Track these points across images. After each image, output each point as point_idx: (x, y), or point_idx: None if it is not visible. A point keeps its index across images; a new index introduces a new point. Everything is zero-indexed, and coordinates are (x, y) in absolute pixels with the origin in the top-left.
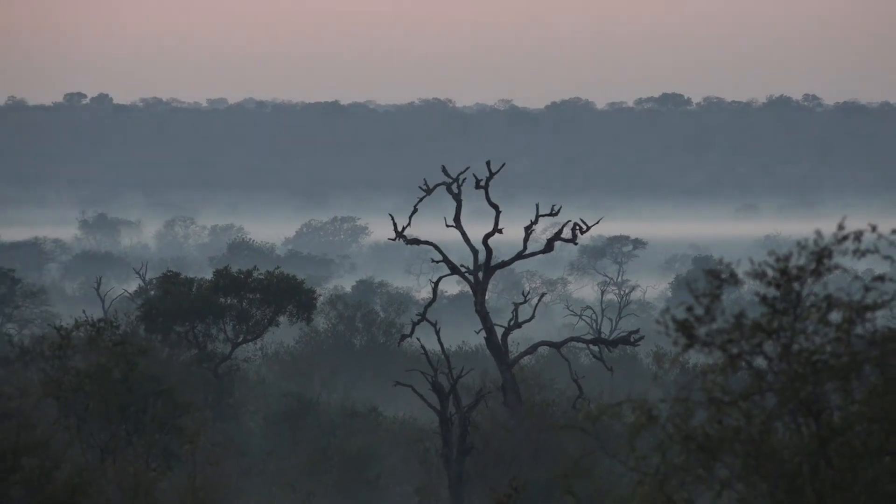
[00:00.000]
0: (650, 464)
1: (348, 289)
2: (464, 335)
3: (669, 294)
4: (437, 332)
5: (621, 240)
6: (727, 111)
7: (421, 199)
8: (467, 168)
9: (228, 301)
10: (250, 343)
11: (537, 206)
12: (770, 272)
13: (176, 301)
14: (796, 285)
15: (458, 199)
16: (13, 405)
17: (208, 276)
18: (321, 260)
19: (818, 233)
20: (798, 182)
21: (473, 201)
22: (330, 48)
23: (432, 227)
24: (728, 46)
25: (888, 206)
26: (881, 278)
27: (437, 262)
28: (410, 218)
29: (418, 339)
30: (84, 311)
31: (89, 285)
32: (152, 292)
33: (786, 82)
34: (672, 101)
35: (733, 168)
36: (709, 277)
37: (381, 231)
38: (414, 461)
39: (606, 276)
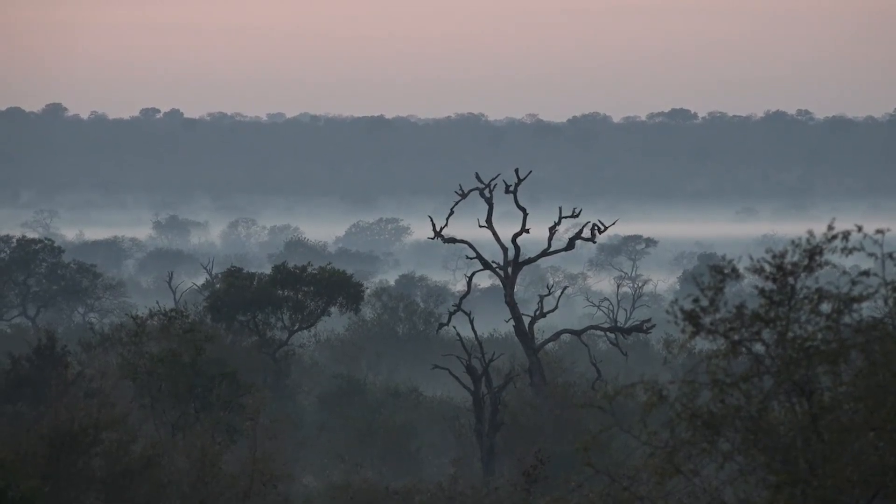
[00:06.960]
0: (661, 438)
1: (392, 282)
2: (495, 324)
3: (678, 287)
4: (471, 321)
5: (635, 239)
6: (729, 124)
7: (457, 203)
8: (498, 175)
9: (285, 293)
10: (305, 330)
11: (560, 208)
12: (767, 268)
13: (239, 293)
14: (791, 279)
15: (489, 202)
16: (94, 385)
17: (267, 271)
18: (368, 256)
19: (810, 233)
20: (792, 187)
21: (503, 204)
22: (376, 69)
23: (467, 227)
24: (730, 67)
25: (872, 210)
26: (866, 273)
27: (472, 258)
28: (447, 219)
29: (454, 327)
30: (157, 302)
31: (162, 279)
32: (218, 285)
33: (781, 99)
34: (680, 116)
35: (734, 175)
36: (713, 272)
37: (421, 231)
38: (450, 436)
39: (622, 271)
